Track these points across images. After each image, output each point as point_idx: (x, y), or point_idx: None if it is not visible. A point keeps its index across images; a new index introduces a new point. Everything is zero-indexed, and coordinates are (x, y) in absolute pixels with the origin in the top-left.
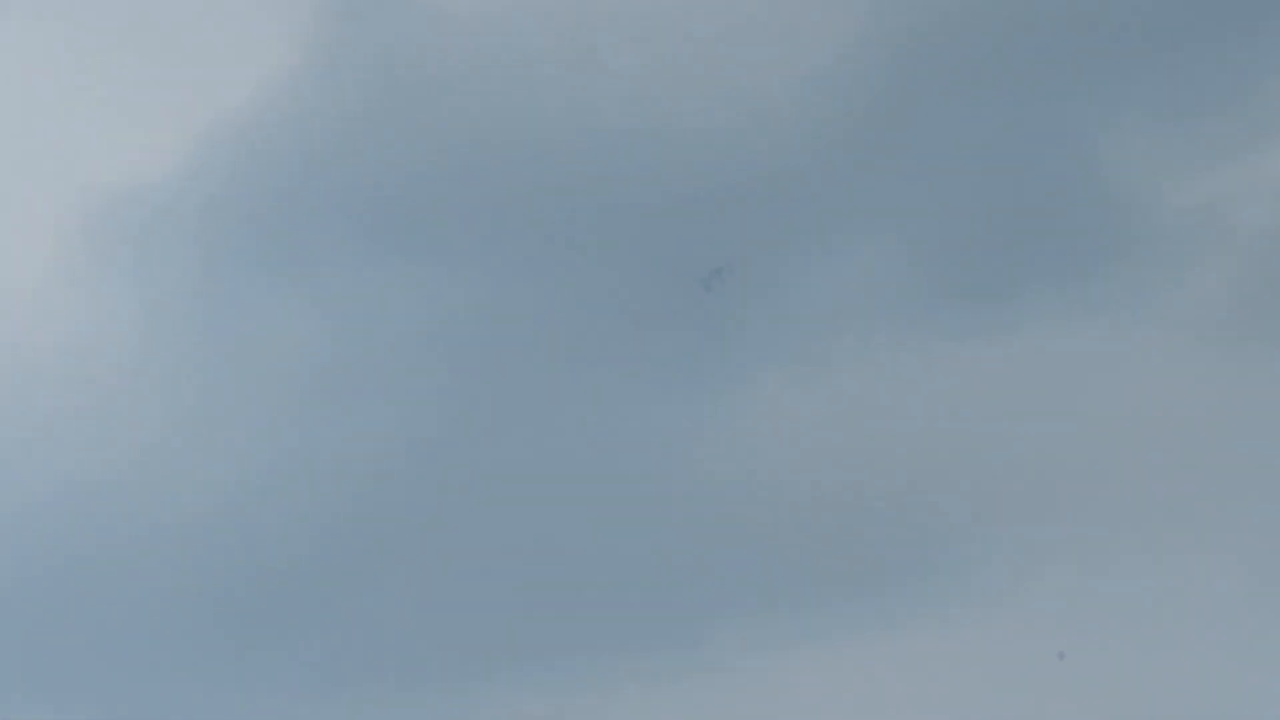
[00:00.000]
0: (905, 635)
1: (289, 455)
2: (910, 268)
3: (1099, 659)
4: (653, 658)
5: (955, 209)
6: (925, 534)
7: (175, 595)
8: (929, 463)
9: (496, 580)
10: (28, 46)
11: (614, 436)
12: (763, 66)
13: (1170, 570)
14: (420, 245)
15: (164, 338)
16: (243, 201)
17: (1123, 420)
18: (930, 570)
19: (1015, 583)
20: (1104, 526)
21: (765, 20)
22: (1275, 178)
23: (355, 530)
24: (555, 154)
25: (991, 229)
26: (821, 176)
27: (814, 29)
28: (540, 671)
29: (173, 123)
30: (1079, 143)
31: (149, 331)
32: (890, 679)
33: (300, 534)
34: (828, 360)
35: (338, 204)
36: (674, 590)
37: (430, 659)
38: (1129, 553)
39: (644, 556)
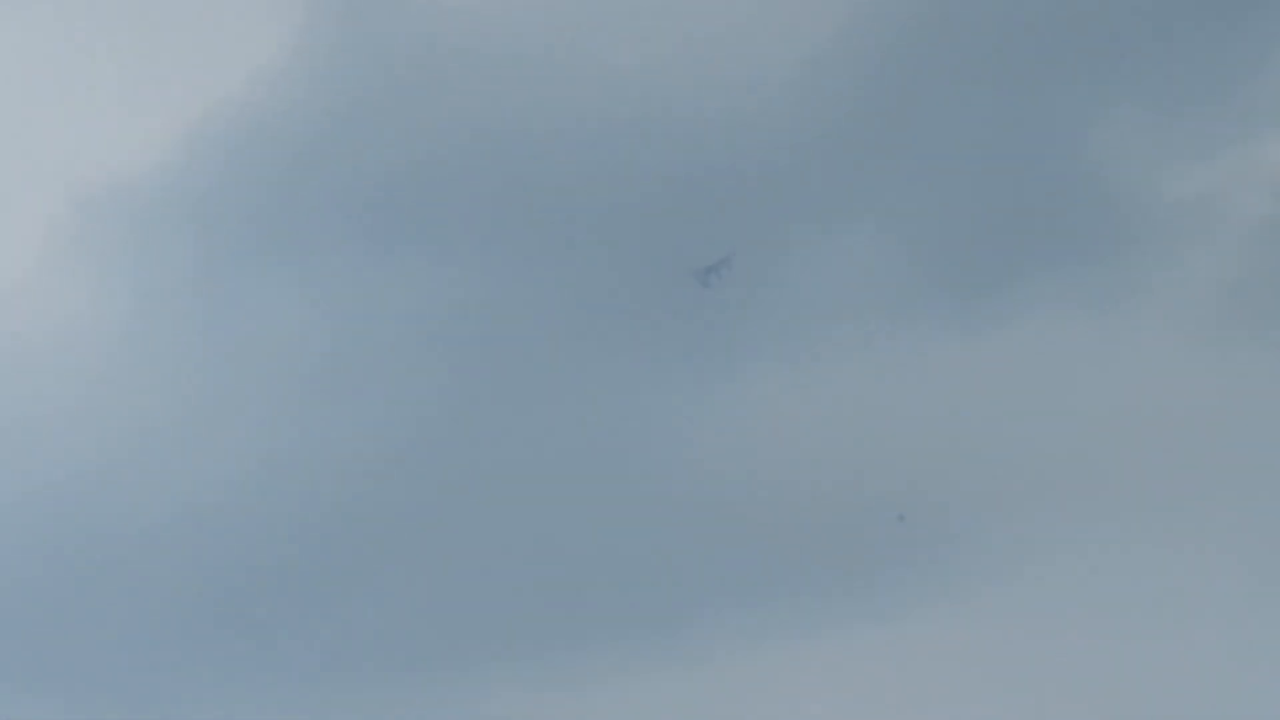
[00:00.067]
0: (894, 629)
1: (285, 450)
2: (905, 261)
3: (1094, 653)
4: (639, 649)
5: (950, 203)
6: (916, 527)
7: (169, 588)
8: (921, 456)
9: (487, 574)
10: (21, 39)
11: (607, 430)
12: (758, 62)
13: (1163, 561)
14: (415, 238)
15: (157, 329)
16: (236, 193)
17: (1117, 413)
18: (920, 564)
19: (1006, 576)
20: (1098, 519)
21: (760, 16)
22: (1269, 169)
23: (349, 523)
24: (550, 147)
25: (986, 222)
26: (817, 171)
27: (808, 24)
28: (531, 662)
29: (165, 114)
30: (1074, 137)
31: (141, 322)
32: (878, 672)
33: (295, 528)
34: (821, 353)
35: (332, 196)
36: (663, 582)
37: (423, 650)
38: (1123, 545)
39: (634, 549)
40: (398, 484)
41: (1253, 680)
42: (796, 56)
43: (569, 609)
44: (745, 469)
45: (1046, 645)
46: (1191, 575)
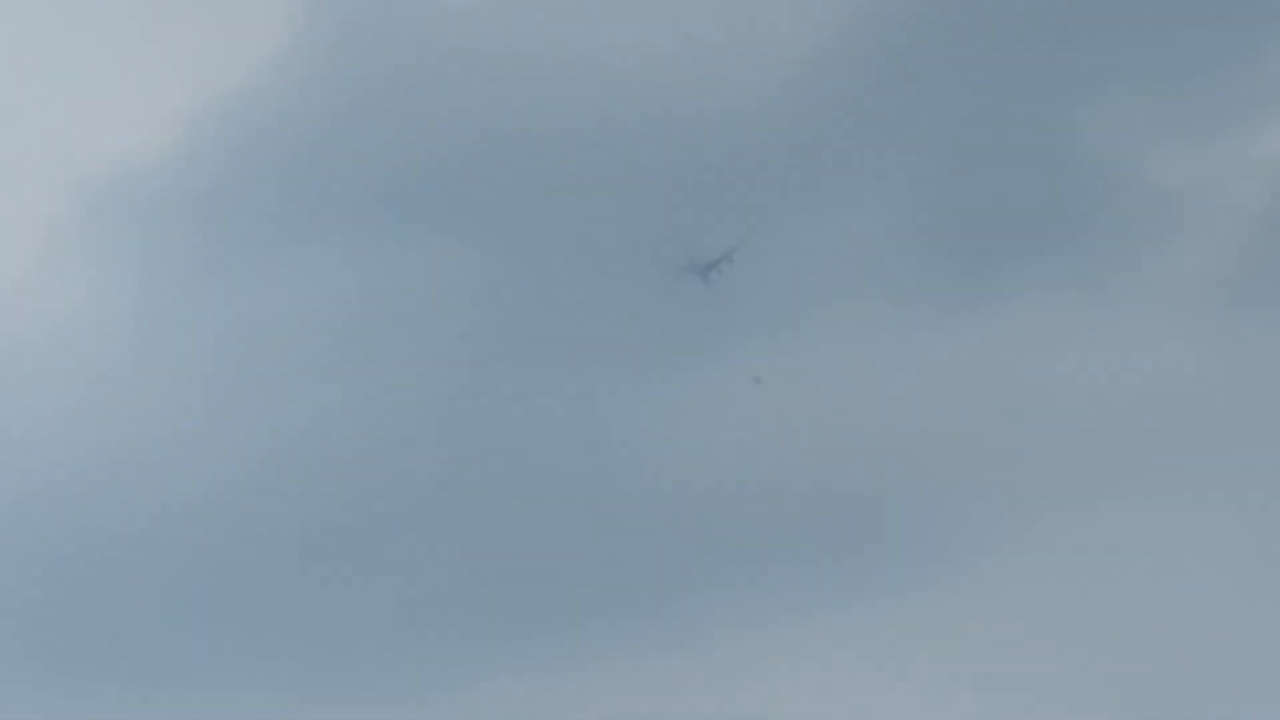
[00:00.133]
0: (887, 610)
1: (285, 449)
2: (894, 244)
3: (1092, 646)
4: (631, 630)
5: (941, 187)
6: (905, 512)
7: (169, 586)
8: (912, 440)
9: (484, 561)
10: (21, 31)
11: (602, 418)
12: (750, 47)
13: (1149, 540)
14: (414, 228)
15: (158, 325)
16: (238, 185)
17: (1108, 397)
18: (909, 546)
19: (995, 556)
20: (1088, 501)
21: (759, 4)
22: (1262, 156)
23: (348, 517)
24: (549, 142)
25: (978, 206)
26: (807, 156)
27: (803, 10)
28: (526, 647)
29: (168, 105)
30: (1068, 125)
31: (143, 318)
32: (868, 651)
33: (295, 525)
34: (811, 338)
35: (332, 186)
36: (656, 563)
37: (421, 639)
38: (1110, 523)
39: (626, 534)
40: (396, 479)
41: (1237, 658)
42: (789, 44)
43: (564, 589)
44: (736, 453)
45: (1033, 624)
46: (1174, 554)
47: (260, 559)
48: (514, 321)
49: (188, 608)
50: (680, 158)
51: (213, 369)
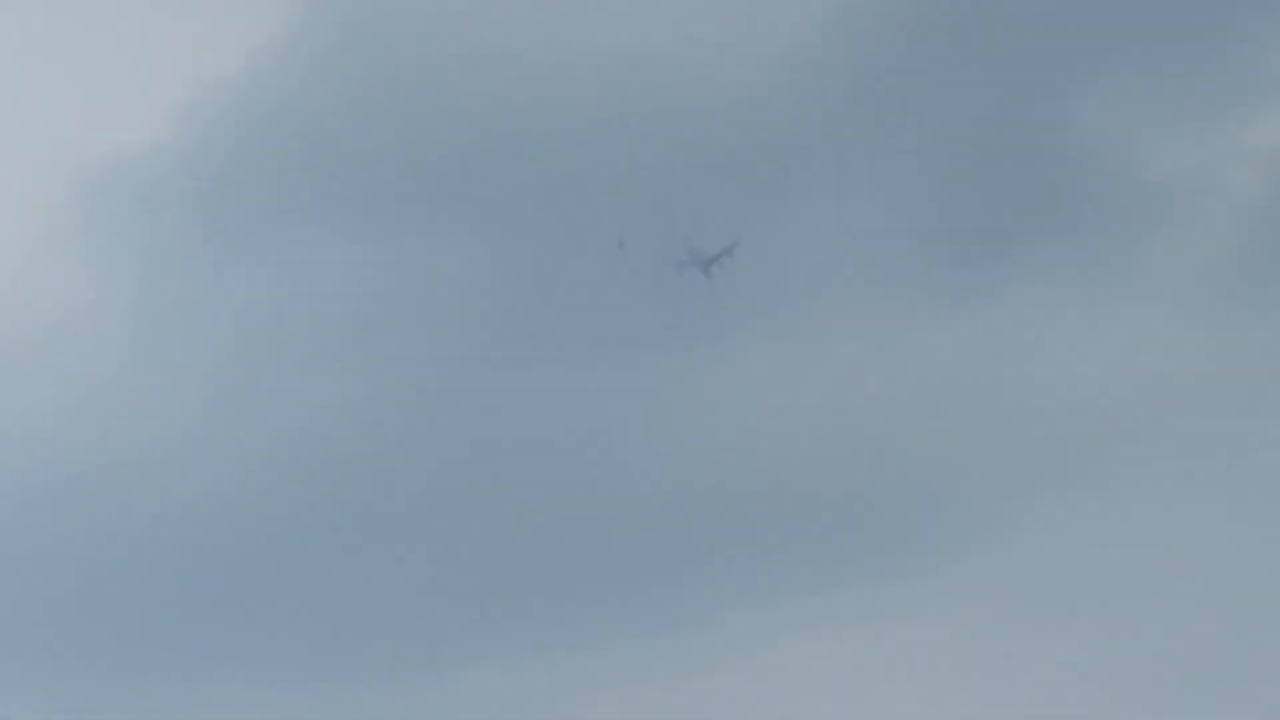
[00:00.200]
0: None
1: (285, 448)
2: (893, 235)
3: (1093, 645)
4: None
5: (939, 178)
6: (905, 497)
7: (169, 585)
8: (912, 424)
9: (490, 547)
10: (19, 21)
11: (604, 412)
12: (748, 42)
13: (1146, 526)
14: (416, 220)
15: (160, 321)
16: (237, 174)
17: (1105, 384)
18: (908, 530)
19: (996, 544)
20: (1086, 488)
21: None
22: (1257, 144)
23: (348, 514)
24: (550, 130)
25: (975, 196)
26: (803, 147)
27: (800, 4)
28: (524, 638)
29: (167, 92)
30: (1063, 114)
31: (141, 300)
32: (872, 637)
33: (296, 523)
34: (811, 328)
35: (332, 176)
36: (657, 552)
37: (424, 641)
38: (1108, 509)
39: (629, 521)
40: (396, 476)
41: (1231, 641)
42: (782, 35)
43: (566, 579)
44: (736, 442)
45: (1029, 608)
46: (1169, 538)
47: (259, 549)
48: (517, 315)
49: (186, 606)
50: (681, 153)
51: (211, 358)
